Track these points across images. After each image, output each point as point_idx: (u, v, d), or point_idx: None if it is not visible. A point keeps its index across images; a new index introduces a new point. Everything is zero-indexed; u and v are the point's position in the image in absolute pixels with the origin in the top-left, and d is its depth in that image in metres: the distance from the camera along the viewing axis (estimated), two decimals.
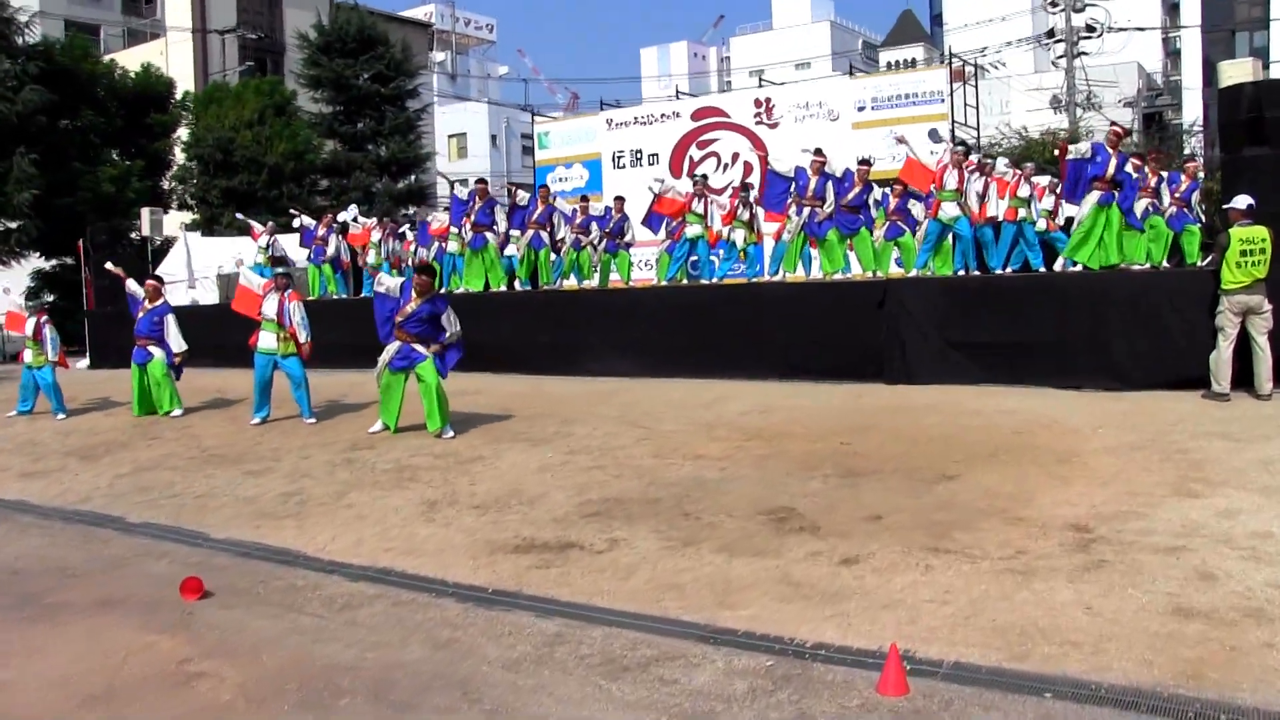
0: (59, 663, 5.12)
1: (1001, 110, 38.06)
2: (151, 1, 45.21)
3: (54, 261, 29.44)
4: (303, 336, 11.38)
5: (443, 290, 17.19)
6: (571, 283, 16.81)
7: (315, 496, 8.15)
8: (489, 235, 16.01)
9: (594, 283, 17.08)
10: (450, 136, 55.84)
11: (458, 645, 5.03)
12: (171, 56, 40.28)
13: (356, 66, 33.80)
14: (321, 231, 18.79)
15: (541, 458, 8.84)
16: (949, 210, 13.37)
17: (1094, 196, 11.60)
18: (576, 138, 22.36)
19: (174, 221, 32.97)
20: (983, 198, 13.53)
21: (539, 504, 7.39)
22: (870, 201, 14.06)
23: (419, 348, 10.07)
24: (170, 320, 12.79)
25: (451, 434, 9.97)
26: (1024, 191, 14.07)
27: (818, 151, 14.14)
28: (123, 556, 7.05)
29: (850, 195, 13.73)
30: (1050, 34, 37.28)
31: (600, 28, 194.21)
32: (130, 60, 39.20)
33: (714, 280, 15.72)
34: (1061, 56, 35.18)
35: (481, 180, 16.81)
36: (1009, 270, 13.84)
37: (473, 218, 15.93)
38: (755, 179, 16.42)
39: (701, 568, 5.78)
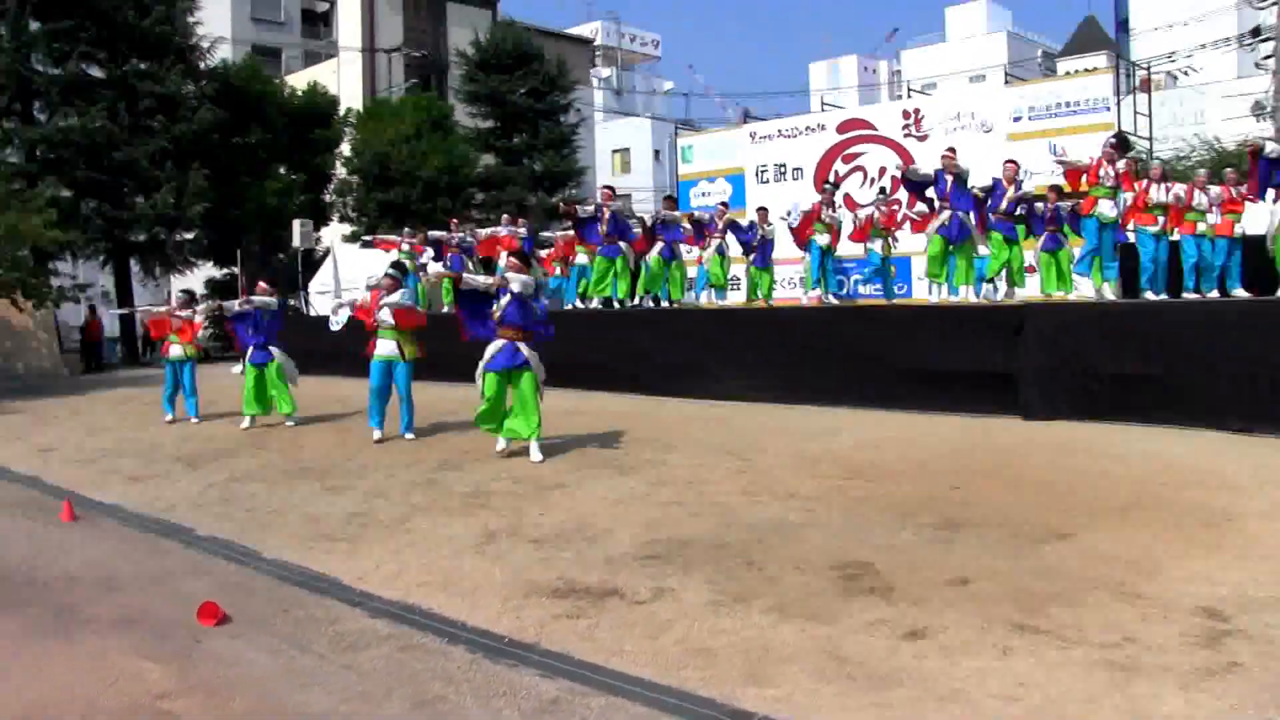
0: (47, 686, 4.80)
1: (1196, 121, 35.34)
2: (329, 24, 47.00)
3: (224, 270, 30.63)
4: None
5: (570, 304, 17.05)
6: (708, 297, 16.28)
7: (380, 519, 7.71)
8: (621, 245, 15.66)
9: (736, 297, 16.55)
10: (614, 151, 55.99)
11: (441, 705, 4.41)
12: (343, 75, 41.66)
13: (512, 82, 34.15)
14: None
15: (624, 488, 8.21)
16: (1105, 209, 12.22)
17: None
18: (719, 152, 21.67)
19: (336, 233, 34.02)
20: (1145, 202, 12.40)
21: (599, 541, 6.74)
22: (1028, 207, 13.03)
23: (522, 347, 9.54)
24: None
25: (540, 457, 9.46)
26: (1200, 202, 12.70)
27: (949, 150, 13.20)
28: (170, 571, 6.74)
29: (1004, 201, 12.78)
30: (1255, 32, 34.25)
31: (768, 43, 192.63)
32: (307, 79, 40.82)
33: (841, 298, 14.89)
34: (1269, 57, 32.14)
35: (608, 188, 16.48)
36: (1194, 294, 12.56)
37: (605, 228, 15.59)
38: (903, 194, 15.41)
39: (743, 630, 5.00)
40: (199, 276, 30.36)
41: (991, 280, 13.46)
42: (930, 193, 13.14)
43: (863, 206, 16.96)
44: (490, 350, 9.60)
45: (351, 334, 12.56)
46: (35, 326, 24.81)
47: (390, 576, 6.33)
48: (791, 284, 18.96)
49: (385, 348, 11.39)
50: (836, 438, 9.97)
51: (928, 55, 61.42)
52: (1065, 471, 7.84)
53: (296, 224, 24.28)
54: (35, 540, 7.65)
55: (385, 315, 11.29)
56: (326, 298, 23.53)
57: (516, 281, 9.57)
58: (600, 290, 15.79)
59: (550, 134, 34.94)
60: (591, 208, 16.18)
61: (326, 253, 27.51)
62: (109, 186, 26.41)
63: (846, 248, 16.10)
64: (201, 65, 29.37)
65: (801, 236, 15.47)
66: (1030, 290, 13.60)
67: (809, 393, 12.10)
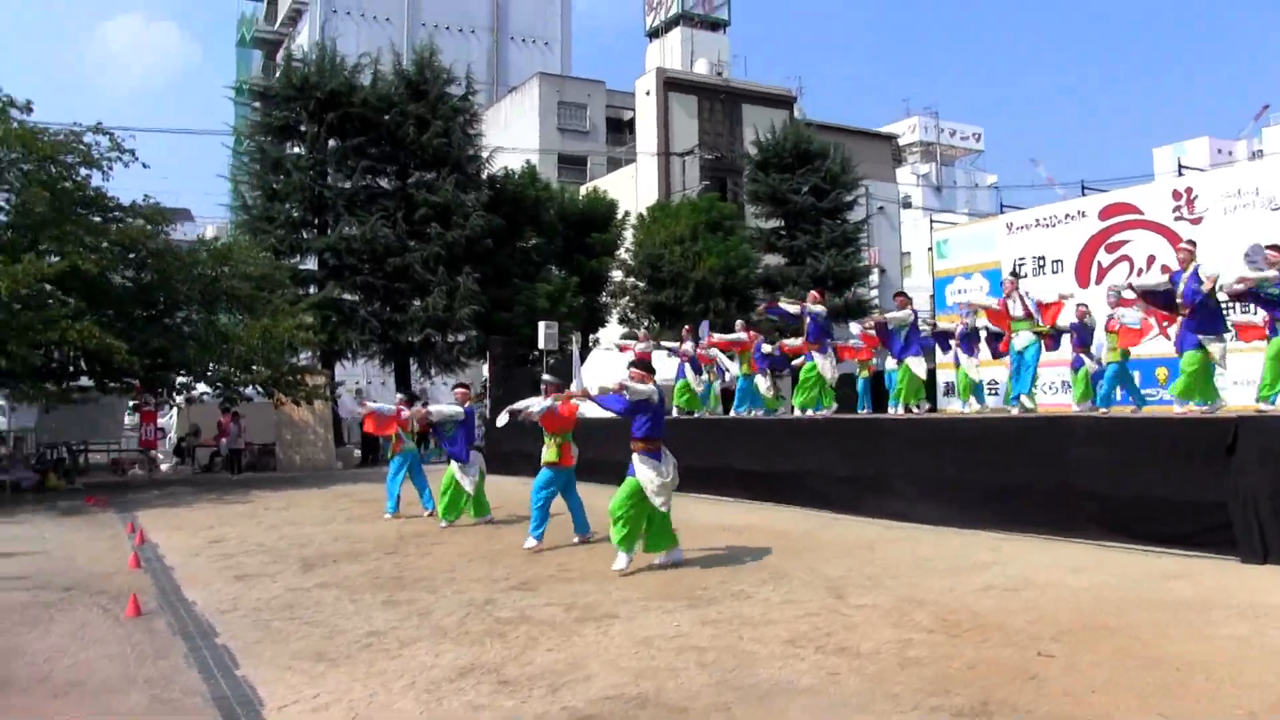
0: None
1: None
2: (632, 131, 49.09)
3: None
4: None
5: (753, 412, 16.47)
6: (955, 406, 15.39)
7: (388, 642, 7.24)
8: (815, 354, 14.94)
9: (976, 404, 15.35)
10: (929, 250, 54.36)
11: None
12: (640, 179, 43.20)
13: (793, 181, 33.91)
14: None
15: (669, 625, 7.33)
16: None
17: None
18: (975, 245, 20.16)
19: (613, 335, 34.84)
20: None
21: (562, 690, 5.90)
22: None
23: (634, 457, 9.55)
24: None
25: (624, 564, 9.25)
26: None
27: (1188, 242, 11.33)
28: (135, 678, 6.56)
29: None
30: None
31: (1107, 130, 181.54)
32: (607, 185, 42.71)
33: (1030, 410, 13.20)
34: None
35: (901, 294, 15.98)
36: None
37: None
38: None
39: None
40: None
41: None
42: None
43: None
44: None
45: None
46: (314, 421, 26.90)
47: (309, 711, 5.82)
48: (1053, 388, 17.20)
49: (545, 454, 11.33)
50: (978, 575, 8.65)
51: None
52: (1240, 648, 6.18)
53: (541, 326, 24.93)
54: (66, 634, 7.82)
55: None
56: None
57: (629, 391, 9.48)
58: (808, 400, 15.19)
59: (833, 233, 34.29)
60: (796, 308, 15.52)
61: (586, 352, 28.09)
62: (386, 290, 28.47)
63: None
64: (482, 174, 31.32)
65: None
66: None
67: (995, 519, 10.71)
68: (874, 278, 43.13)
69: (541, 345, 25.06)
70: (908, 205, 52.75)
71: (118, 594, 9.33)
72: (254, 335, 20.48)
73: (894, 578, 8.71)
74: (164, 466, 26.85)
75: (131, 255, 21.39)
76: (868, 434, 13.28)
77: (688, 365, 17.93)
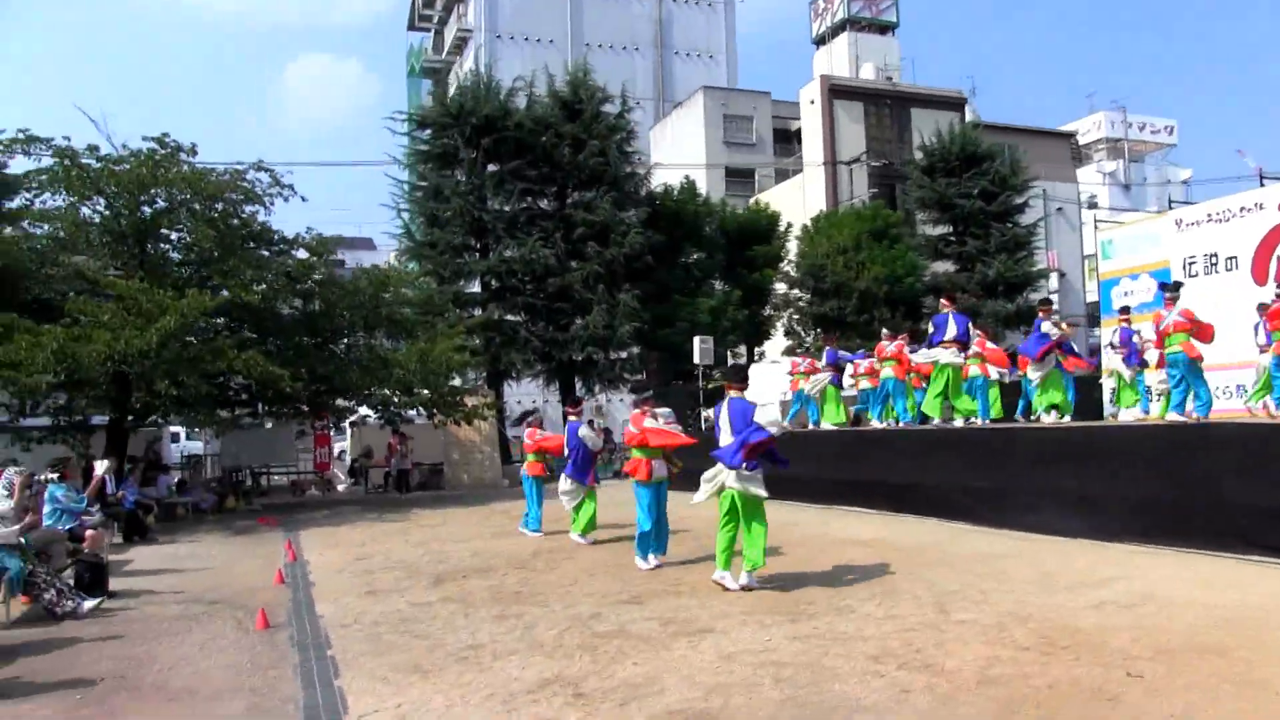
0: None
1: None
2: (800, 141, 48.85)
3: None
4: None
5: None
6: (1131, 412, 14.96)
7: (483, 655, 7.50)
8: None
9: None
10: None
11: None
12: (807, 190, 42.94)
13: (961, 185, 33.08)
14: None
15: (759, 641, 7.35)
16: None
17: None
18: (1142, 244, 19.17)
19: (778, 347, 34.74)
20: None
21: (633, 704, 6.04)
22: None
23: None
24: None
25: (743, 582, 9.37)
26: None
27: None
28: (237, 688, 7.01)
29: None
30: None
31: None
32: (777, 196, 42.66)
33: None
34: None
35: (1045, 302, 15.66)
36: None
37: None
38: None
39: None
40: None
41: None
42: None
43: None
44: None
45: None
46: (480, 440, 27.77)
47: (397, 717, 6.10)
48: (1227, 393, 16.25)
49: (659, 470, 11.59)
50: (1095, 590, 8.37)
51: None
52: None
53: (696, 341, 25.10)
54: (196, 644, 8.39)
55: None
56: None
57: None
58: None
59: (1003, 237, 33.27)
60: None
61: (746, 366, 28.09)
62: (548, 310, 29.17)
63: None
64: (641, 191, 31.78)
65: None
66: None
67: (1137, 531, 10.31)
68: (1053, 281, 41.60)
69: (697, 359, 25.24)
70: (1093, 205, 50.65)
71: (255, 608, 9.92)
72: (412, 359, 21.33)
73: (1008, 592, 8.48)
74: (340, 487, 28.22)
75: (299, 286, 22.63)
76: (1002, 445, 12.88)
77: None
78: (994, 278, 32.67)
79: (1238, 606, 7.43)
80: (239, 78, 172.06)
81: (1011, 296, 33.12)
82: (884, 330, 18.05)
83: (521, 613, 8.97)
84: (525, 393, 35.70)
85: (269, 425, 25.61)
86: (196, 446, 31.48)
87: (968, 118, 43.88)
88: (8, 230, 18.96)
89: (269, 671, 7.45)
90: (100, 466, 12.88)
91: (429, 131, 30.32)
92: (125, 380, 18.09)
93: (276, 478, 29.02)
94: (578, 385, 30.98)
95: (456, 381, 24.37)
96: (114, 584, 11.53)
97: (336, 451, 30.76)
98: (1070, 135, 52.66)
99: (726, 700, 5.96)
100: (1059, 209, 44.73)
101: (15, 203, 20.96)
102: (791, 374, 20.09)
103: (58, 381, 16.94)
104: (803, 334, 33.22)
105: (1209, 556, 9.43)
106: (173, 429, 27.71)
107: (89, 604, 9.75)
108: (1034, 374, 14.34)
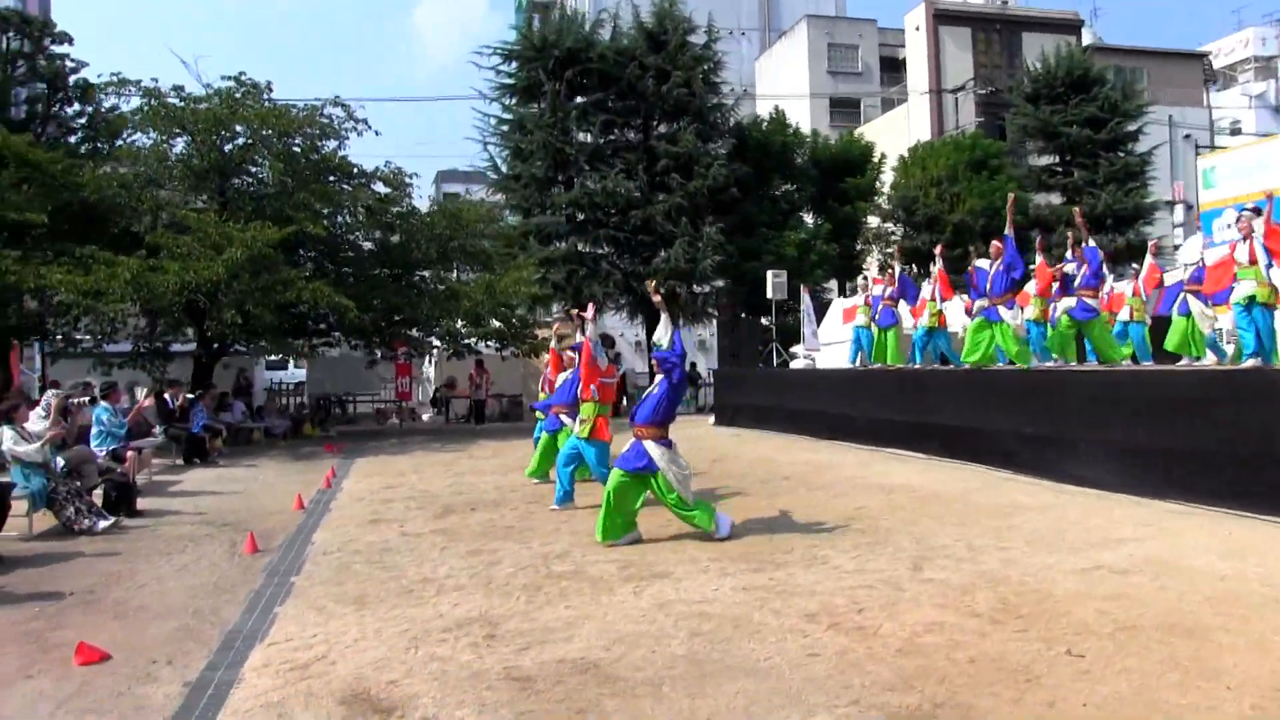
0: None
1: None
2: (904, 70, 47.33)
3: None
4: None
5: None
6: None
7: (430, 589, 7.44)
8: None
9: None
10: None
11: None
12: (913, 119, 41.66)
13: (1066, 112, 31.60)
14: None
15: (704, 591, 7.07)
16: None
17: None
18: (1253, 171, 17.86)
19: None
20: None
21: (539, 648, 5.98)
22: None
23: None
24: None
25: (724, 533, 8.94)
26: None
27: None
28: (189, 606, 7.24)
29: None
30: None
31: None
32: (882, 127, 41.55)
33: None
34: None
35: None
36: None
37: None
38: None
39: None
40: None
41: None
42: None
43: None
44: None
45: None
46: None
47: (291, 649, 6.17)
48: None
49: None
50: (1098, 552, 7.87)
51: None
52: None
53: (770, 275, 24.69)
54: (179, 566, 8.69)
55: None
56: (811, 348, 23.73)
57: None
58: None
59: (1113, 166, 31.69)
60: None
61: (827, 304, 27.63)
62: (630, 243, 29.03)
63: None
64: (729, 122, 31.23)
65: None
66: None
67: (1202, 491, 9.50)
68: (1176, 213, 39.58)
69: (770, 295, 24.84)
70: (1235, 132, 47.70)
71: (260, 532, 10.23)
72: (480, 290, 21.55)
73: (1001, 550, 8.06)
74: (425, 417, 28.84)
75: (381, 219, 23.04)
76: (1054, 389, 12.30)
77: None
78: (1100, 210, 31.16)
79: (1249, 580, 6.79)
80: (372, 21, 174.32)
81: (1122, 230, 31.54)
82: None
83: (496, 549, 8.96)
84: (611, 326, 35.74)
85: (354, 355, 26.24)
86: (300, 375, 32.45)
87: (1085, 40, 41.79)
88: (104, 169, 19.68)
89: (224, 595, 7.63)
90: (140, 393, 13.38)
91: (514, 65, 30.24)
92: (197, 309, 18.74)
93: (364, 406, 29.81)
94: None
95: (521, 312, 24.51)
96: (150, 504, 12.03)
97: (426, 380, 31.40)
98: (1203, 56, 49.49)
99: (626, 653, 5.80)
100: (1186, 136, 42.34)
101: (122, 145, 21.81)
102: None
103: (136, 310, 17.70)
104: (895, 268, 32.34)
105: (1255, 520, 8.73)
106: (270, 358, 28.62)
107: (104, 523, 10.17)
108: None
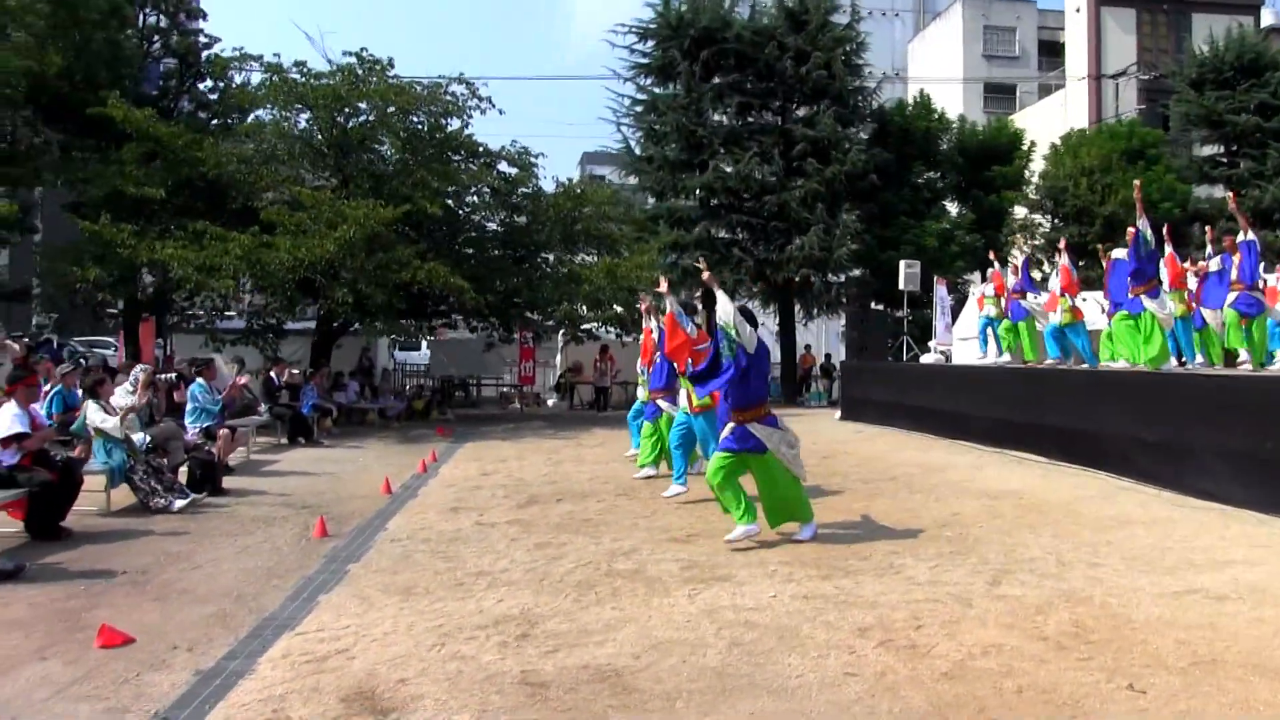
0: None
1: None
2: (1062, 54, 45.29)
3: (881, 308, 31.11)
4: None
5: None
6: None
7: (481, 583, 7.12)
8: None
9: None
10: None
11: None
12: (1070, 106, 39.82)
13: (1234, 99, 29.57)
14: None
15: (760, 598, 6.62)
16: None
17: None
18: None
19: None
20: None
21: (567, 652, 5.61)
22: None
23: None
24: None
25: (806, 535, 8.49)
26: None
27: None
28: (239, 592, 7.06)
29: None
30: None
31: None
32: (1037, 113, 39.86)
33: None
34: None
35: None
36: None
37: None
38: None
39: None
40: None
41: None
42: None
43: None
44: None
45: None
46: None
47: (317, 640, 5.91)
48: None
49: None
50: (1199, 574, 7.16)
51: None
52: None
53: (902, 265, 23.77)
54: (241, 548, 8.58)
55: None
56: (950, 345, 22.80)
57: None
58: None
59: None
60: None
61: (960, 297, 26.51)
62: (763, 229, 28.35)
63: None
64: (871, 105, 30.24)
65: None
66: None
67: None
68: None
69: (902, 285, 23.93)
70: None
71: (336, 516, 10.10)
72: (600, 274, 21.25)
73: (1093, 565, 7.37)
74: (550, 402, 28.74)
75: (508, 200, 22.95)
76: (1175, 392, 11.30)
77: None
78: (1269, 204, 29.07)
79: None
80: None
81: None
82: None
83: (565, 542, 8.63)
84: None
85: (477, 338, 26.25)
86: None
87: (1265, 21, 39.18)
88: (224, 145, 20.03)
89: (275, 580, 7.48)
90: (232, 371, 13.46)
91: (650, 43, 29.84)
92: (312, 287, 18.89)
93: (489, 390, 29.87)
94: (796, 309, 30.15)
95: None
96: (239, 483, 12.10)
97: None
98: None
99: (655, 661, 5.41)
100: None
101: (248, 121, 22.18)
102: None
103: (249, 286, 17.95)
104: (1043, 261, 30.90)
105: None
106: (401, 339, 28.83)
107: (180, 502, 10.17)
108: None
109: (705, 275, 9.47)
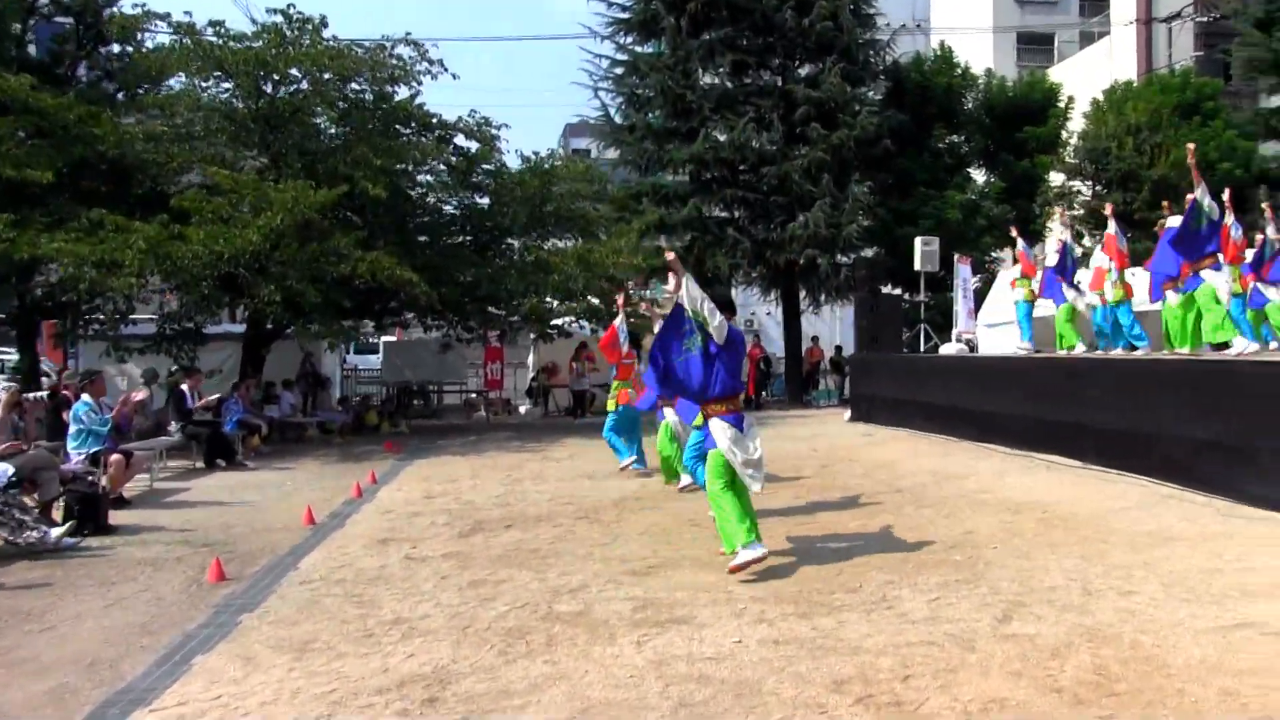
0: None
1: None
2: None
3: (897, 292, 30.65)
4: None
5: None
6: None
7: (395, 634, 6.77)
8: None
9: None
10: None
11: None
12: (1116, 56, 39.38)
13: None
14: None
15: (720, 645, 6.28)
16: None
17: None
18: None
19: (1049, 248, 32.09)
20: None
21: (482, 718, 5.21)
22: None
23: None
24: None
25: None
26: None
27: None
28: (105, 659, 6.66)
29: None
30: None
31: None
32: (1078, 65, 39.43)
33: None
34: None
35: None
36: None
37: None
38: None
39: None
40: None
41: None
42: None
43: None
44: None
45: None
46: None
47: (180, 716, 5.52)
48: None
49: None
50: (1246, 606, 6.74)
51: None
52: None
53: (918, 242, 23.34)
54: (115, 599, 8.16)
55: None
56: (972, 331, 22.45)
57: None
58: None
59: None
60: None
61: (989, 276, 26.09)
62: (762, 205, 27.92)
63: None
64: (883, 61, 29.79)
65: None
66: None
67: None
68: None
69: (918, 265, 23.49)
70: None
71: (240, 555, 9.68)
72: (569, 261, 20.81)
73: (1125, 594, 6.97)
74: (523, 409, 28.27)
75: (469, 179, 22.50)
76: (1224, 382, 10.83)
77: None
78: None
79: None
80: None
81: None
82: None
83: (504, 579, 8.26)
84: (742, 305, 34.70)
85: (434, 337, 25.74)
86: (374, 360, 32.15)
87: None
88: (127, 119, 19.55)
89: (145, 640, 7.07)
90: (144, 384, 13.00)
91: None
92: (235, 284, 18.39)
93: (451, 397, 29.37)
94: (800, 294, 29.70)
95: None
96: (133, 518, 11.74)
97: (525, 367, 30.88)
98: None
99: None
100: None
101: (159, 94, 21.56)
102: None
103: (160, 285, 17.47)
104: (1083, 234, 30.48)
105: None
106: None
107: (56, 531, 9.73)
108: None
109: (669, 257, 9.06)
